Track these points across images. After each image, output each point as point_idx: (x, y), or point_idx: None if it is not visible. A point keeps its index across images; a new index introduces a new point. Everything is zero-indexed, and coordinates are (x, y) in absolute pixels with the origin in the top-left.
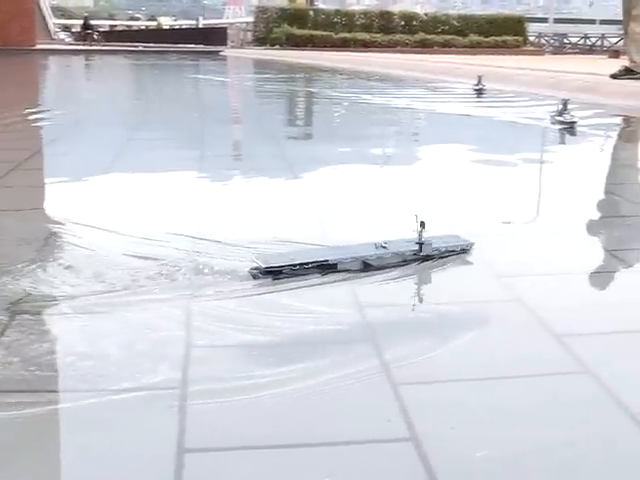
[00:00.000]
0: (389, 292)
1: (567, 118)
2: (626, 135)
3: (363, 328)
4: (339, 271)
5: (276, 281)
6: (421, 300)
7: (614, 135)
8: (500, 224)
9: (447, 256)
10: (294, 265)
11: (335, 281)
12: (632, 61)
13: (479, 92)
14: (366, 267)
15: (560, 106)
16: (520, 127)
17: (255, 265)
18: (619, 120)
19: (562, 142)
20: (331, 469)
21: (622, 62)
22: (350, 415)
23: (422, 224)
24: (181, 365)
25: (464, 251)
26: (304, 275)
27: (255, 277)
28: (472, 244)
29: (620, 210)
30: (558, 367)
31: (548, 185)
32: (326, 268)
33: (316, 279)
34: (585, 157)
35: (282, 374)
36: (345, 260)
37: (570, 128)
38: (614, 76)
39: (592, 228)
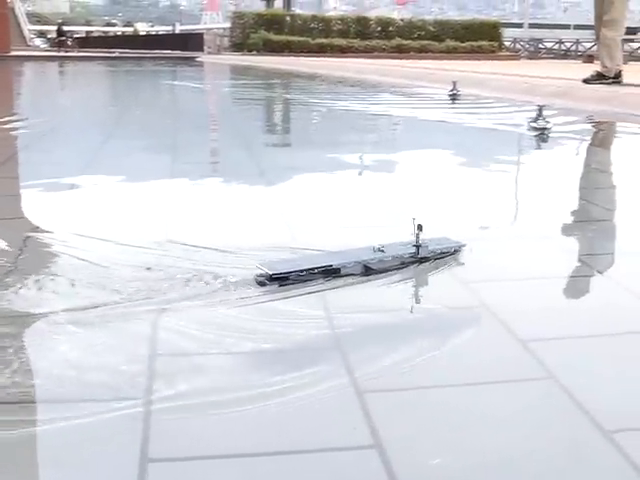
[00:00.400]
0: (389, 296)
1: (542, 124)
2: (598, 140)
3: (355, 334)
4: (342, 276)
5: (282, 287)
6: (412, 305)
7: (587, 140)
8: (477, 229)
9: (441, 257)
10: (301, 271)
11: (340, 286)
12: (604, 66)
13: (454, 98)
14: (367, 271)
15: (536, 112)
16: (497, 134)
17: (260, 272)
18: (591, 125)
19: (538, 148)
20: (295, 477)
21: (595, 67)
22: (318, 423)
23: (419, 227)
24: (168, 375)
25: (456, 252)
26: (309, 281)
27: (261, 284)
28: (463, 245)
29: (592, 215)
30: (524, 373)
31: (523, 191)
32: (330, 273)
33: (321, 285)
34: (559, 163)
35: (257, 385)
36: (348, 265)
37: (545, 134)
38: (586, 81)
39: (564, 233)
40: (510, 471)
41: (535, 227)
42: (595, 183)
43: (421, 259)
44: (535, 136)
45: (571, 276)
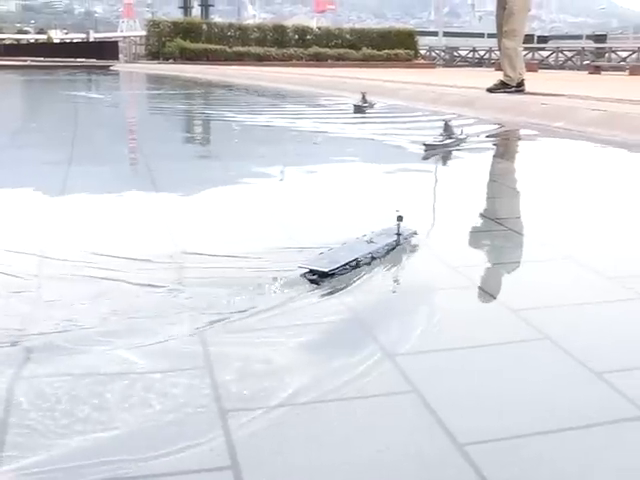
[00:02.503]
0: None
1: (438, 140)
2: (500, 151)
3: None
4: (359, 267)
5: (334, 283)
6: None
7: (490, 152)
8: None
9: (407, 242)
10: (343, 266)
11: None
12: (506, 75)
13: (363, 109)
14: (373, 260)
15: (442, 127)
16: (401, 149)
17: (306, 271)
18: (494, 135)
19: (440, 162)
20: None
21: (500, 76)
22: (175, 445)
23: (400, 218)
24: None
25: (415, 235)
26: (342, 274)
27: (316, 283)
28: (416, 231)
29: (478, 226)
30: (387, 387)
31: (429, 204)
32: (355, 265)
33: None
34: (461, 176)
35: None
36: (366, 257)
37: (450, 148)
38: (490, 90)
39: (445, 244)
40: None
41: (428, 239)
42: (491, 194)
43: (398, 245)
44: (436, 150)
45: (443, 288)
